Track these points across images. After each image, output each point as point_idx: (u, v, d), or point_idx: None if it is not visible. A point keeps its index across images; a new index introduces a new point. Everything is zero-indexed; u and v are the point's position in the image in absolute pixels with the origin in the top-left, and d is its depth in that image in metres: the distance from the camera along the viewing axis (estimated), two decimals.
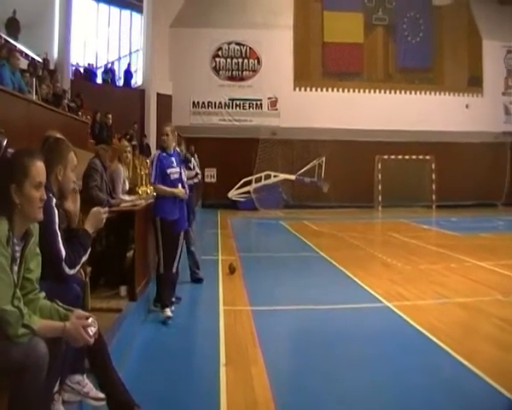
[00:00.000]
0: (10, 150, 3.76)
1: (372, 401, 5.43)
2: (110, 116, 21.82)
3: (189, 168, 11.00)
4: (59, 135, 5.09)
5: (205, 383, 5.75)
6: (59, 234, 4.28)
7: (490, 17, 36.99)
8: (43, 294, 3.75)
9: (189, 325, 8.04)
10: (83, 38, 31.76)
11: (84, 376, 4.56)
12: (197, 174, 11.50)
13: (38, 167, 3.61)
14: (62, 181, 4.58)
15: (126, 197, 9.54)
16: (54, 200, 4.35)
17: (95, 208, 4.66)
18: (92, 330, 3.62)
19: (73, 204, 4.69)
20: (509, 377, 5.79)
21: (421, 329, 7.67)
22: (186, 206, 9.25)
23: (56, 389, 4.01)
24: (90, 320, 3.64)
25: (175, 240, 8.78)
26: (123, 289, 8.08)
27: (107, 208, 4.85)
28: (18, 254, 3.53)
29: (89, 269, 5.81)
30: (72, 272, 4.30)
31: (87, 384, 4.54)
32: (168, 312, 8.32)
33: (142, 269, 8.90)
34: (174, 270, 8.80)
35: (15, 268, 3.49)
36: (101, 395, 4.41)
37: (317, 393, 5.50)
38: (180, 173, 8.88)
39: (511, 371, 6.10)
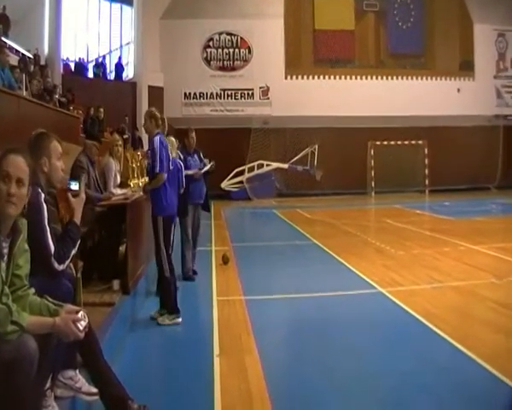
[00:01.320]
0: None
1: (367, 388, 5.44)
2: (102, 110, 21.80)
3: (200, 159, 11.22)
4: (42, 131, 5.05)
5: (199, 373, 5.75)
6: (48, 230, 4.26)
7: (481, 1, 36.96)
8: (32, 290, 3.74)
9: (183, 316, 8.01)
10: (73, 32, 31.64)
11: (77, 371, 4.56)
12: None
13: (10, 160, 3.55)
14: (49, 171, 4.55)
15: (118, 191, 9.52)
16: (43, 195, 4.33)
17: (72, 199, 4.59)
18: (82, 325, 3.60)
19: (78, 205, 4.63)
20: (504, 360, 5.80)
21: (415, 314, 7.68)
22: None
23: (48, 384, 4.00)
24: (79, 314, 3.63)
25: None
26: (116, 283, 8.07)
27: (79, 191, 4.75)
28: (5, 251, 3.51)
29: (81, 264, 5.81)
30: (61, 267, 4.28)
31: (79, 380, 4.54)
32: (179, 318, 7.95)
33: (135, 262, 8.88)
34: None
35: (3, 265, 3.47)
36: (94, 390, 4.40)
37: (312, 381, 5.51)
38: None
39: (506, 354, 6.11)
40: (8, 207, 3.55)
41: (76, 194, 4.57)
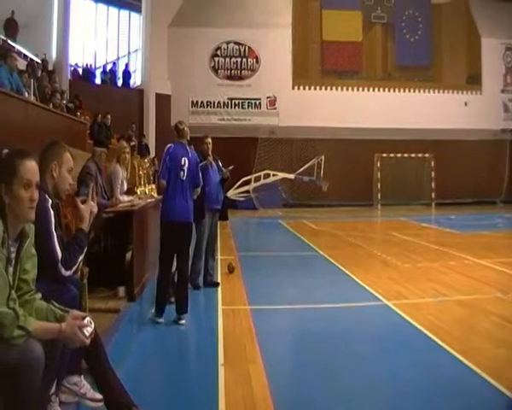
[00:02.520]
0: (5, 151, 3.72)
1: (371, 399, 5.41)
2: (109, 117, 21.83)
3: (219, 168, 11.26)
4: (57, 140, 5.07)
5: (203, 382, 5.72)
6: (55, 235, 4.28)
7: (488, 15, 37.03)
8: (39, 295, 3.74)
9: (188, 325, 8.01)
10: (81, 38, 31.76)
11: (82, 377, 4.56)
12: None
13: (27, 166, 3.58)
14: (57, 179, 4.57)
15: (125, 198, 9.53)
16: (49, 201, 4.34)
17: (80, 206, 4.60)
18: (88, 331, 3.60)
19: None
20: (507, 374, 5.77)
21: (420, 327, 7.64)
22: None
23: (53, 390, 4.01)
24: (86, 321, 3.62)
25: None
26: (121, 290, 8.09)
27: (84, 197, 4.77)
28: (13, 255, 3.52)
29: (86, 270, 5.80)
30: (68, 273, 4.29)
31: (84, 385, 4.54)
32: (158, 319, 8.08)
33: (141, 269, 8.90)
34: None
35: (11, 269, 3.48)
36: (99, 396, 4.40)
37: (316, 392, 5.49)
38: None
39: (510, 368, 6.08)
40: (31, 213, 3.59)
41: (85, 200, 4.57)
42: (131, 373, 5.64)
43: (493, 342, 7.09)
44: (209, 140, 10.69)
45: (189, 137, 8.69)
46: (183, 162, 8.26)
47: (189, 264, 8.76)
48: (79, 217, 4.49)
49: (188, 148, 8.53)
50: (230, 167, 11.35)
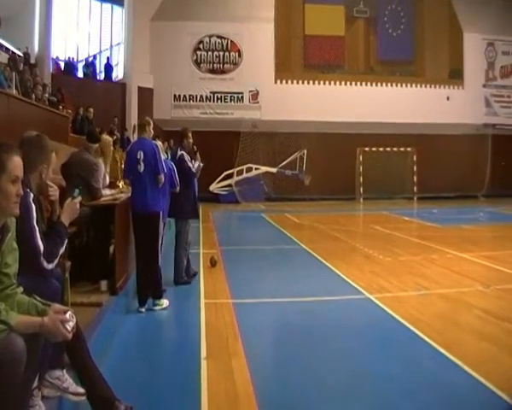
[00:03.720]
0: None
1: (353, 393, 5.43)
2: (92, 110, 21.75)
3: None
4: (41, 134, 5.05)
5: (186, 376, 5.73)
6: (37, 229, 4.27)
7: (471, 10, 37.16)
8: (20, 289, 3.72)
9: (171, 319, 8.03)
10: (63, 31, 31.53)
11: (64, 371, 4.55)
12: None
13: (15, 162, 3.58)
14: (44, 180, 4.58)
15: (107, 191, 9.50)
16: (31, 195, 4.32)
17: (68, 200, 4.64)
18: (70, 325, 3.58)
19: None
20: (489, 366, 5.82)
21: (402, 321, 7.67)
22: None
23: (36, 384, 3.99)
24: (67, 315, 3.61)
25: None
26: (103, 284, 8.07)
27: (79, 198, 4.81)
28: None
29: (69, 264, 5.79)
30: (50, 266, 4.29)
31: (67, 379, 4.53)
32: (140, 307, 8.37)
33: (123, 263, 8.88)
34: None
35: None
36: (81, 390, 4.40)
37: (298, 385, 5.51)
38: None
39: (491, 360, 6.13)
40: (16, 208, 3.61)
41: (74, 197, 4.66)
42: (114, 367, 5.63)
43: (475, 335, 7.14)
44: (190, 134, 10.74)
45: (149, 128, 8.90)
46: (138, 156, 8.51)
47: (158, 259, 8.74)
48: (64, 210, 4.53)
49: (145, 140, 8.78)
50: (199, 163, 11.12)
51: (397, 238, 16.71)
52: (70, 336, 3.59)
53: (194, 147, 11.36)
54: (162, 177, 8.63)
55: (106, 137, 11.41)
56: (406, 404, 5.10)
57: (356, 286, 9.93)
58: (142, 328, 7.72)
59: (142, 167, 8.44)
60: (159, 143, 9.56)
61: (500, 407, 4.93)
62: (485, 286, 9.78)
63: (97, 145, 9.34)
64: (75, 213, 4.71)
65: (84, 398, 4.37)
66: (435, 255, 13.15)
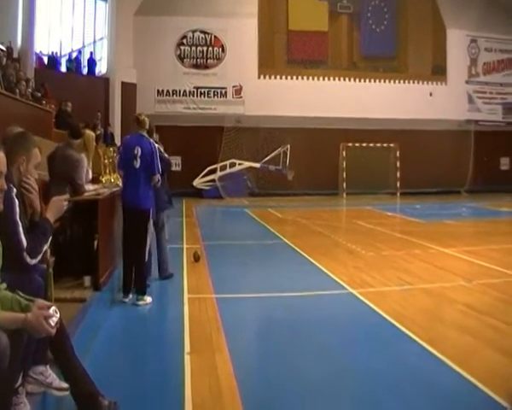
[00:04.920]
0: None
1: (336, 387, 5.45)
2: (70, 104, 21.64)
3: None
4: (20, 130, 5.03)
5: (169, 371, 5.74)
6: (20, 224, 4.26)
7: (454, 6, 37.34)
8: (4, 285, 3.72)
9: (154, 314, 8.03)
10: (47, 25, 31.31)
11: (48, 366, 4.55)
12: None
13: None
14: (24, 174, 4.55)
15: (90, 187, 9.48)
16: (14, 190, 4.31)
17: (55, 197, 4.64)
18: (54, 321, 3.58)
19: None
20: (472, 361, 5.86)
21: (385, 315, 7.70)
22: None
23: (20, 382, 3.99)
24: (51, 310, 3.61)
25: None
26: (87, 280, 8.07)
27: (67, 195, 4.82)
28: None
29: (52, 259, 5.78)
30: (33, 261, 4.28)
31: (50, 375, 4.53)
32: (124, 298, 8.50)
33: (107, 259, 8.87)
34: None
35: None
36: (65, 385, 4.39)
37: (282, 380, 5.52)
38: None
39: (474, 355, 6.16)
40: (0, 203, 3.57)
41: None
42: (97, 362, 5.63)
43: (458, 329, 7.19)
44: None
45: (147, 126, 8.95)
46: (135, 151, 8.54)
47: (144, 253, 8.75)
48: (49, 207, 4.53)
49: (144, 137, 8.77)
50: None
51: (380, 233, 16.78)
52: (53, 331, 3.60)
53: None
54: (158, 177, 8.69)
55: (88, 132, 11.36)
56: (390, 398, 5.12)
57: (339, 281, 9.96)
58: (125, 323, 7.72)
59: (138, 164, 8.50)
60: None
61: (483, 401, 4.96)
62: (467, 281, 9.84)
63: (80, 140, 9.31)
64: (61, 211, 4.70)
65: (67, 393, 4.36)
66: (418, 250, 13.21)
